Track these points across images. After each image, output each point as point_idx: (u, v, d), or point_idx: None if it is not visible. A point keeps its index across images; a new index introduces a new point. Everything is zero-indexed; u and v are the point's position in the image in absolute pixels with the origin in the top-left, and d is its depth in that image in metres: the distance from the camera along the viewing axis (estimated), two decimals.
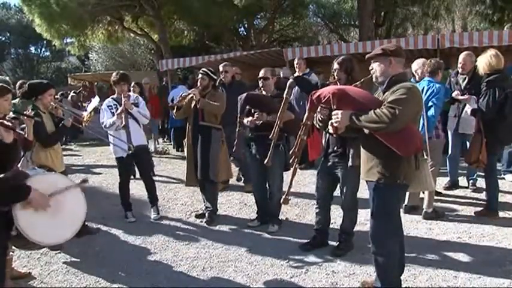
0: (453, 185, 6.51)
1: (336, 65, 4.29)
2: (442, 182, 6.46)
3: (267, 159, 4.56)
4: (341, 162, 4.23)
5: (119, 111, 5.47)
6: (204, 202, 5.74)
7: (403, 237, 3.58)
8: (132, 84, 8.52)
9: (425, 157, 3.37)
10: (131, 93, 5.82)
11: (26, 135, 4.18)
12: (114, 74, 5.70)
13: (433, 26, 23.78)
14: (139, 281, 4.04)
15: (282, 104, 4.50)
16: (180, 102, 5.48)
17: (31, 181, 2.97)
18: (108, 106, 5.63)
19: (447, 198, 6.05)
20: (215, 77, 5.57)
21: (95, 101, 5.72)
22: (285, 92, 4.58)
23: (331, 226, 4.78)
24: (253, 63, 12.90)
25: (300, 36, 24.18)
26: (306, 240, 4.65)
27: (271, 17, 20.43)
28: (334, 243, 4.52)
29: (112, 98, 5.73)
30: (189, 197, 6.71)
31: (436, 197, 5.52)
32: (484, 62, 5.18)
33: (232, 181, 7.24)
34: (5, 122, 3.06)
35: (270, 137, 4.57)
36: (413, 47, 9.38)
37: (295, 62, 8.20)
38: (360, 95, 3.32)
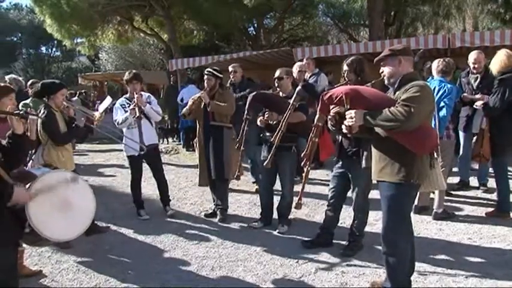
0: (464, 185, 6.46)
1: (345, 67, 4.28)
2: (453, 183, 6.41)
3: (266, 161, 4.59)
4: (353, 163, 4.22)
5: (131, 106, 5.52)
6: (214, 201, 5.76)
7: (414, 237, 3.56)
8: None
9: (436, 156, 3.35)
10: (143, 93, 5.85)
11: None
12: (126, 73, 5.77)
13: (443, 25, 23.57)
14: (149, 280, 4.05)
15: (288, 109, 4.51)
16: (189, 109, 5.52)
17: (41, 179, 3.00)
18: (121, 105, 5.71)
19: (458, 199, 6.01)
20: (220, 75, 5.56)
21: (107, 101, 5.76)
22: (292, 99, 4.59)
23: (340, 225, 4.78)
24: (262, 63, 12.90)
25: (310, 36, 24.11)
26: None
27: (281, 17, 20.41)
28: (343, 243, 4.51)
29: (125, 98, 5.80)
30: (198, 197, 6.72)
31: (446, 198, 5.49)
32: (497, 63, 5.16)
33: (242, 181, 7.23)
34: (18, 112, 3.09)
35: (271, 140, 4.61)
36: (424, 47, 9.28)
37: (304, 62, 8.17)
38: (372, 95, 3.32)
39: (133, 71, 5.92)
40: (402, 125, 3.01)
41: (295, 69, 6.53)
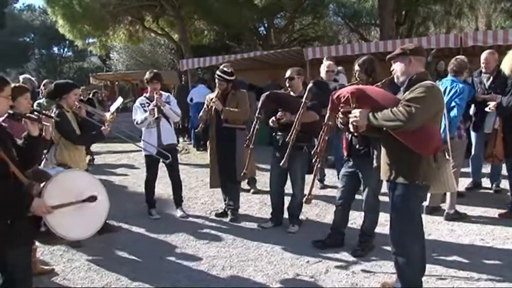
0: (476, 185, 6.41)
1: (356, 67, 4.28)
2: (464, 183, 6.36)
3: (283, 161, 4.59)
4: (364, 163, 4.21)
5: (150, 106, 5.53)
6: (225, 201, 5.77)
7: (424, 238, 3.54)
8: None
9: (448, 158, 3.33)
10: (163, 93, 5.85)
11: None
12: (147, 72, 5.79)
13: (455, 24, 23.36)
14: (160, 280, 4.07)
15: (300, 107, 4.50)
16: (203, 122, 5.55)
17: (54, 179, 3.02)
18: (140, 104, 5.73)
19: (470, 200, 5.95)
20: (231, 78, 5.49)
21: (118, 101, 5.79)
22: (304, 96, 4.58)
23: (351, 226, 4.77)
24: (273, 62, 12.89)
25: (320, 35, 24.02)
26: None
27: (291, 17, 20.36)
28: (353, 243, 4.49)
29: (144, 97, 5.82)
30: (209, 196, 6.74)
31: (458, 198, 5.43)
32: (509, 63, 5.10)
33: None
34: (31, 115, 3.12)
35: (286, 139, 4.60)
36: (435, 46, 9.22)
37: (324, 61, 8.07)
38: (378, 95, 3.33)
39: (154, 70, 5.92)
40: (403, 125, 3.00)
41: (323, 69, 6.44)
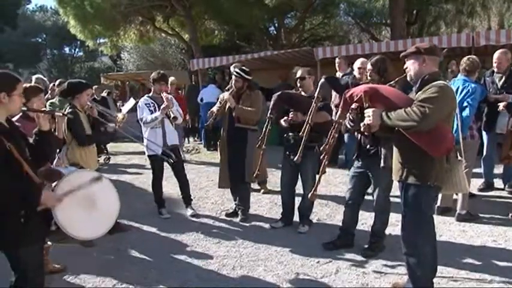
0: (488, 186, 6.35)
1: (369, 66, 4.27)
2: (476, 184, 6.31)
3: (296, 156, 4.58)
4: (373, 163, 4.19)
5: (163, 105, 5.50)
6: (235, 201, 5.77)
7: (436, 239, 3.51)
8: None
9: (460, 158, 3.30)
10: (165, 94, 5.86)
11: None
12: (154, 73, 5.81)
13: (467, 23, 23.12)
14: (170, 279, 4.09)
15: (313, 103, 4.50)
16: (214, 116, 5.51)
17: (66, 179, 3.05)
18: (146, 104, 5.72)
19: (482, 200, 5.89)
20: (249, 77, 5.46)
21: (130, 102, 5.80)
22: (316, 92, 4.57)
23: (361, 227, 4.74)
24: (283, 62, 12.87)
25: (331, 35, 23.95)
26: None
27: (302, 16, 20.31)
28: (363, 244, 4.48)
29: (148, 96, 5.82)
30: (219, 196, 6.74)
31: (470, 199, 5.38)
32: None
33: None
34: (43, 109, 3.16)
35: (299, 134, 4.59)
36: (447, 45, 9.14)
37: (336, 61, 8.04)
38: (392, 94, 3.32)
39: (161, 71, 5.93)
40: (417, 125, 2.99)
41: (356, 66, 6.35)
